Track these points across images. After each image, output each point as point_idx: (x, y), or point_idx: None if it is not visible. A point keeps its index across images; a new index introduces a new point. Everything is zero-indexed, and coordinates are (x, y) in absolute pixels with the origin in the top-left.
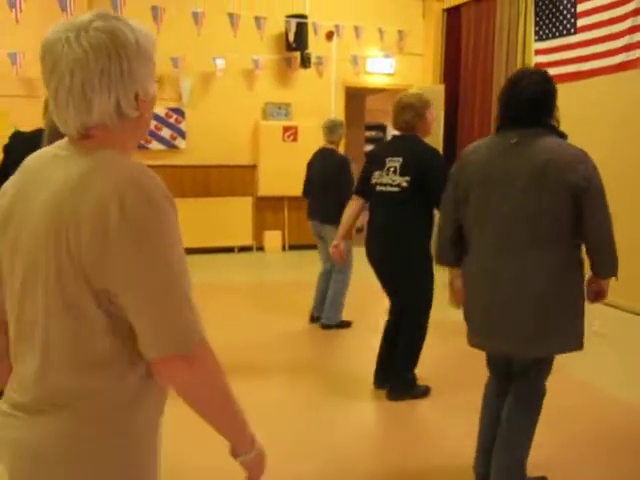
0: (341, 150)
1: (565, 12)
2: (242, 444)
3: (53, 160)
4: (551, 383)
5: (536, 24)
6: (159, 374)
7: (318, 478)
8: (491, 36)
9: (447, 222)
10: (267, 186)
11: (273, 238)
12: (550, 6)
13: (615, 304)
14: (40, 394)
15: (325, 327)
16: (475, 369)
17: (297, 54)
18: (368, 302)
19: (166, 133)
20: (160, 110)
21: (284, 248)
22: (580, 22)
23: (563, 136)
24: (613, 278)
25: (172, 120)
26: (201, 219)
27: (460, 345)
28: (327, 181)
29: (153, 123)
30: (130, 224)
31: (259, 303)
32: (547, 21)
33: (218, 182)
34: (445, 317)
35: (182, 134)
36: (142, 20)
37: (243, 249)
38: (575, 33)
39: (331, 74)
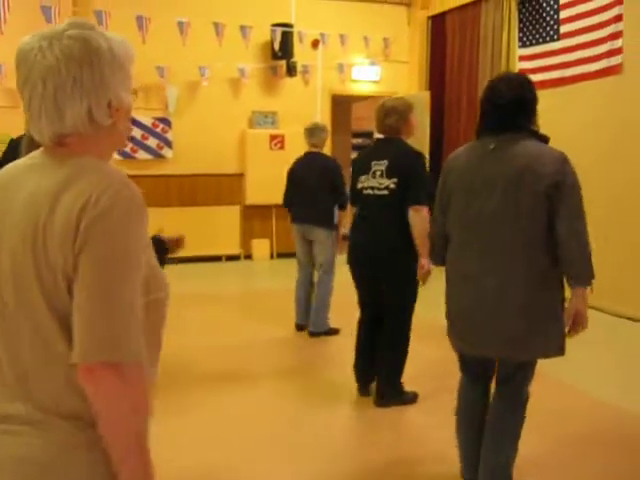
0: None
1: (548, 19)
2: None
3: (28, 169)
4: (540, 388)
5: (520, 30)
6: (84, 382)
7: None
8: (476, 43)
9: (437, 225)
10: (254, 194)
11: (261, 246)
12: (534, 13)
13: (603, 308)
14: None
15: (313, 335)
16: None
17: (283, 62)
18: (354, 308)
19: (152, 142)
20: (146, 120)
21: (272, 256)
22: (563, 28)
23: (544, 140)
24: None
25: (158, 129)
26: (188, 228)
27: (446, 348)
28: (318, 183)
29: (139, 133)
30: (100, 227)
31: (247, 311)
32: (531, 28)
33: (205, 191)
34: (434, 320)
35: (168, 143)
36: (127, 30)
37: (231, 258)
38: (558, 39)
39: (317, 82)
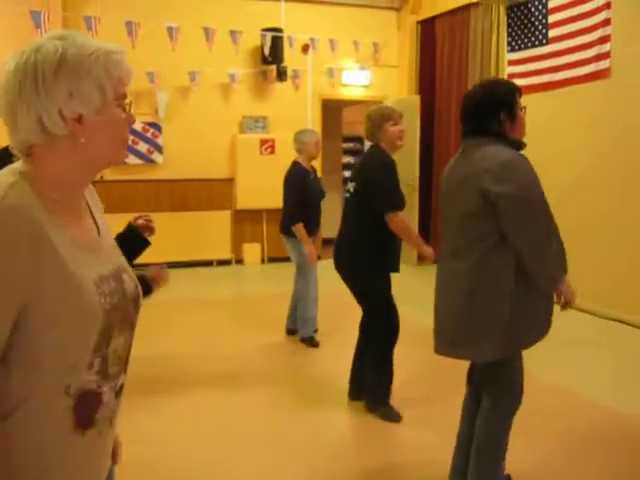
0: (317, 162)
1: (537, 23)
2: None
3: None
4: (532, 390)
5: (509, 35)
6: None
7: None
8: (465, 47)
9: None
10: (245, 199)
11: (252, 251)
12: (522, 17)
13: (595, 311)
14: None
15: (304, 340)
16: (452, 378)
17: (273, 67)
18: (343, 313)
19: (143, 147)
20: (137, 125)
21: (263, 261)
22: (552, 33)
23: (515, 144)
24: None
25: (149, 134)
26: (179, 233)
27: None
28: (285, 193)
29: (130, 138)
30: None
31: (238, 316)
32: (520, 32)
33: (196, 196)
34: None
35: (159, 148)
36: (117, 35)
37: (222, 262)
38: (547, 44)
39: (307, 87)
